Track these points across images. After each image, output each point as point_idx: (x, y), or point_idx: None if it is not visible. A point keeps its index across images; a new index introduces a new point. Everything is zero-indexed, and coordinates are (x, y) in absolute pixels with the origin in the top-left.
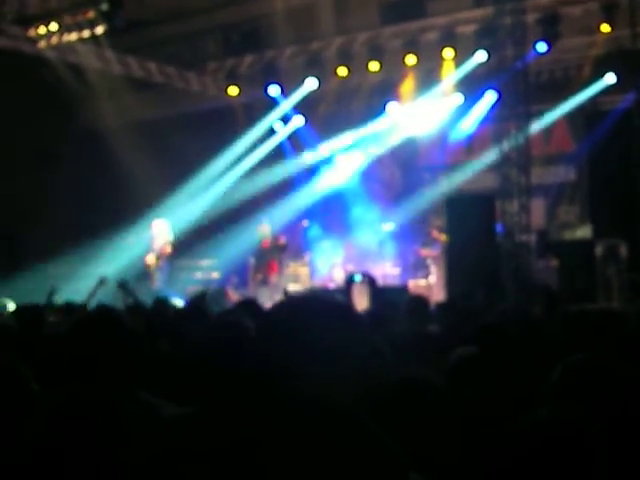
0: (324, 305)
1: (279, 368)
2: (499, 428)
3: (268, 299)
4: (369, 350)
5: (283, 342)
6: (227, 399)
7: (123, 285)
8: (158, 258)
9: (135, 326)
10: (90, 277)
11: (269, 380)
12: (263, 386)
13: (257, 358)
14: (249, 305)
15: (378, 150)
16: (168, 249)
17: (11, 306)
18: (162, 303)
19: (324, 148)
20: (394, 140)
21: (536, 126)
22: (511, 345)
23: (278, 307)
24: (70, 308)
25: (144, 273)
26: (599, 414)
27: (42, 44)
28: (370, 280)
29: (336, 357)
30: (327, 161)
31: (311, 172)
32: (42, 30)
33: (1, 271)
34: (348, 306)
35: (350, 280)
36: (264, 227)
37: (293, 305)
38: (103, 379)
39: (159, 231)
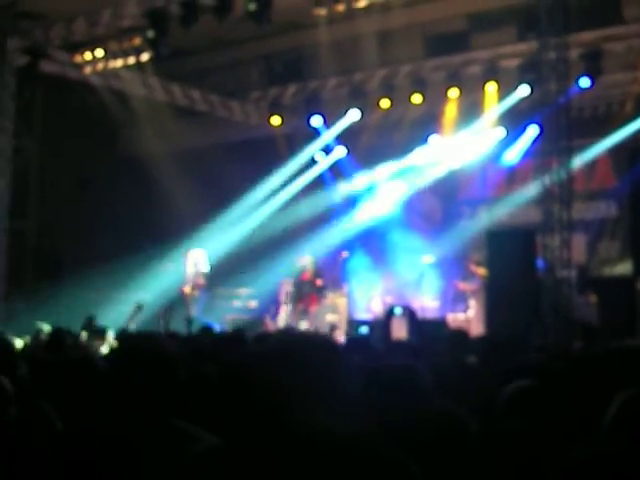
0: (312, 343)
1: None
2: (550, 463)
3: (308, 329)
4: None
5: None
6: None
7: (167, 310)
8: (193, 288)
9: (176, 352)
10: (128, 303)
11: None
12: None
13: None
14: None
15: (419, 182)
16: (202, 280)
17: (47, 329)
18: (207, 330)
19: (365, 178)
20: (435, 172)
21: (578, 161)
22: (554, 380)
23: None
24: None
25: (181, 301)
26: None
27: (88, 70)
28: (410, 313)
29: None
30: (368, 192)
31: (352, 203)
32: (88, 56)
33: (43, 295)
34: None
35: (390, 312)
36: (306, 259)
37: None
38: (141, 407)
39: (194, 261)
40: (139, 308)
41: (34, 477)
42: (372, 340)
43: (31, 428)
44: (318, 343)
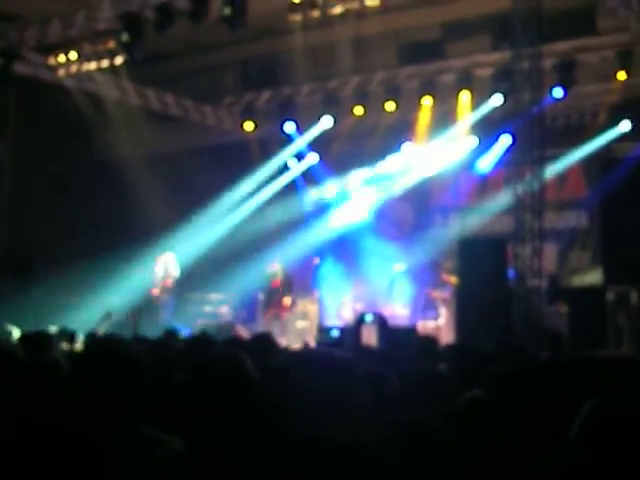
0: (326, 361)
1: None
2: (512, 472)
3: (279, 335)
4: (366, 399)
5: (290, 394)
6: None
7: (135, 313)
8: (162, 292)
9: (141, 357)
10: (98, 306)
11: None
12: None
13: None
14: (265, 338)
15: (391, 189)
16: (170, 284)
17: (16, 333)
18: (171, 335)
19: (337, 185)
20: (407, 180)
21: (550, 171)
22: (520, 390)
23: (283, 361)
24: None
25: (150, 305)
26: (621, 458)
27: (61, 72)
28: (381, 320)
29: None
30: (340, 199)
31: (323, 209)
32: (62, 58)
33: (10, 297)
34: (347, 361)
35: (361, 320)
36: (275, 266)
37: (297, 360)
38: (106, 413)
39: (164, 264)
40: (108, 315)
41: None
42: (342, 347)
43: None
44: (336, 360)
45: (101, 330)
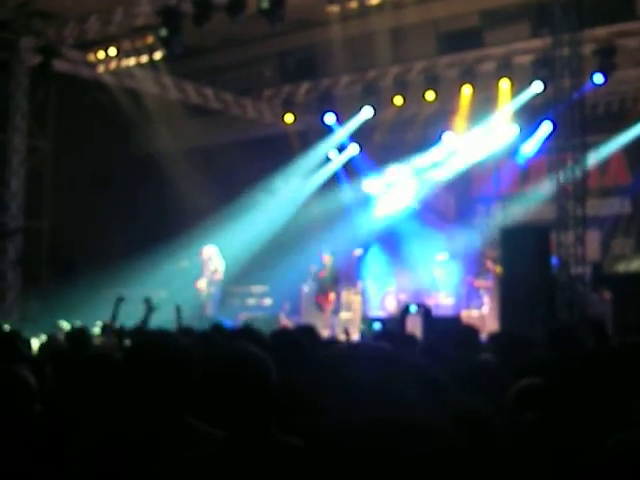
0: (374, 356)
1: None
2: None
3: (323, 327)
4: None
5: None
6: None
7: (178, 309)
8: (209, 284)
9: (190, 350)
10: (141, 301)
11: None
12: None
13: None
14: (309, 331)
15: (433, 179)
16: (219, 275)
17: (65, 327)
18: (218, 328)
19: (379, 176)
20: (449, 169)
21: (593, 158)
22: (574, 377)
23: (328, 357)
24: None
25: (196, 298)
26: None
27: (101, 69)
28: (425, 311)
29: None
30: (382, 190)
31: (365, 201)
32: (101, 55)
33: (58, 293)
34: (395, 356)
35: (405, 311)
36: (326, 257)
37: (343, 356)
38: (155, 404)
39: (210, 257)
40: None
41: (56, 470)
42: (387, 338)
43: (54, 424)
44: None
45: (116, 322)
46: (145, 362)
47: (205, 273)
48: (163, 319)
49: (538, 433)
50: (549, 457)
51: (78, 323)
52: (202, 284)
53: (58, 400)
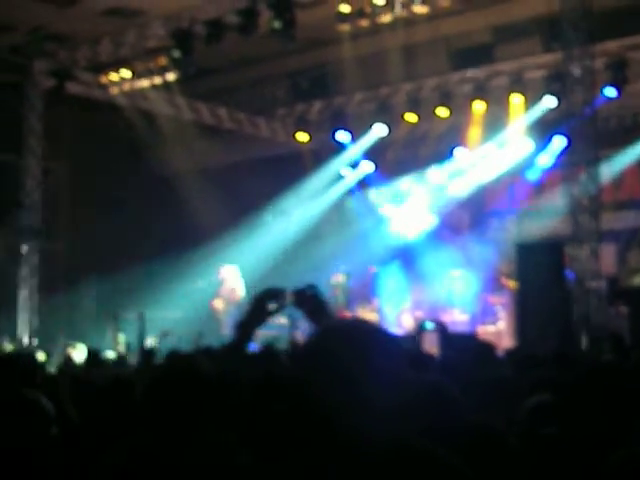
0: (364, 330)
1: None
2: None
3: None
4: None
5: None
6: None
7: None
8: (227, 303)
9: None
10: (159, 321)
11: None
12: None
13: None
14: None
15: (447, 195)
16: (238, 294)
17: (80, 348)
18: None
19: (393, 193)
20: (463, 185)
21: (606, 171)
22: (585, 394)
23: (320, 335)
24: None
25: (212, 318)
26: None
27: (114, 90)
28: (442, 328)
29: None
30: (396, 206)
31: (380, 219)
32: (114, 77)
33: (74, 312)
34: (384, 330)
35: (421, 327)
36: (339, 276)
37: (335, 332)
38: (183, 426)
39: (228, 276)
40: (164, 335)
41: None
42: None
43: (71, 447)
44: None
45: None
46: (177, 386)
47: (222, 293)
48: (178, 339)
49: (555, 449)
50: (565, 472)
51: (92, 344)
52: (219, 304)
53: (77, 424)
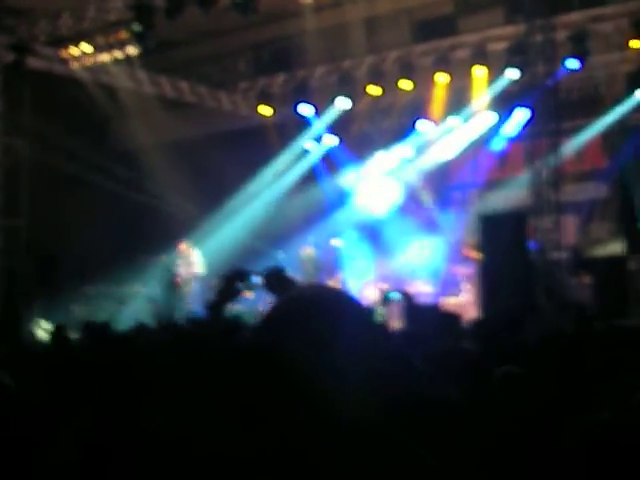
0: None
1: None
2: (550, 436)
3: None
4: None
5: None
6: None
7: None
8: (189, 280)
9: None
10: (124, 297)
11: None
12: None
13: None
14: None
15: (411, 168)
16: (198, 270)
17: (45, 326)
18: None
19: (358, 168)
20: (427, 159)
21: (569, 144)
22: (548, 363)
23: (287, 300)
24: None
25: (176, 293)
26: None
27: (74, 65)
28: (407, 298)
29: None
30: (361, 181)
31: (345, 194)
32: (74, 51)
33: (36, 291)
34: (350, 295)
35: (386, 298)
36: (308, 250)
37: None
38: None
39: (188, 252)
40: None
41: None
42: None
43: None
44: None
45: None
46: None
47: (183, 267)
48: (138, 314)
49: (516, 417)
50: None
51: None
52: (182, 280)
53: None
